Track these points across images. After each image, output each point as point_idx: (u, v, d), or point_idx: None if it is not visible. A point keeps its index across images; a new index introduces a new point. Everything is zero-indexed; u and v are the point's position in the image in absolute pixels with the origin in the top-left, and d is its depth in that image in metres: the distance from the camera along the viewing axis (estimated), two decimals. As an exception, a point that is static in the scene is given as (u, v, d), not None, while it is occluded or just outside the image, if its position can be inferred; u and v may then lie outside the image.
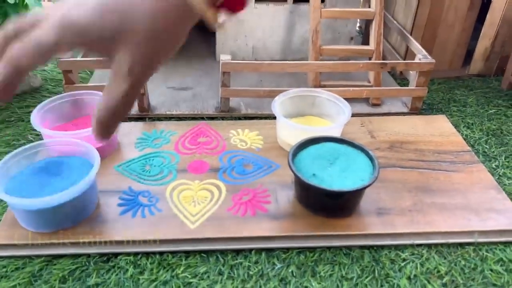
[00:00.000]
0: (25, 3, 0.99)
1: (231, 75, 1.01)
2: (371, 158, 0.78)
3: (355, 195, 0.74)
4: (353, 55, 1.15)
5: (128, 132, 0.96)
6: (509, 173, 0.91)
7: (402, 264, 0.71)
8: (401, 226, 0.75)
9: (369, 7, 1.13)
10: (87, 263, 0.69)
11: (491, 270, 0.70)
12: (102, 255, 0.70)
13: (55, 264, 0.69)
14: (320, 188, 0.72)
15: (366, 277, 0.69)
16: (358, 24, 1.45)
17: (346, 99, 1.02)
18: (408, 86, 1.08)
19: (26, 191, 0.72)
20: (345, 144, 0.82)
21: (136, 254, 0.71)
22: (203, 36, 1.44)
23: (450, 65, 1.28)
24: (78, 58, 1.01)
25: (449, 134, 0.99)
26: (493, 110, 1.11)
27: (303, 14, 1.23)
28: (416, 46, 1.10)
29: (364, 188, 0.72)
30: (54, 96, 0.93)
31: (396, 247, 0.74)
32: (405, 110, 1.09)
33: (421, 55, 1.04)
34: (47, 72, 1.21)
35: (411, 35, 1.19)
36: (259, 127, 0.99)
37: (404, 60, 1.21)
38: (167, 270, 0.69)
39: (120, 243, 0.71)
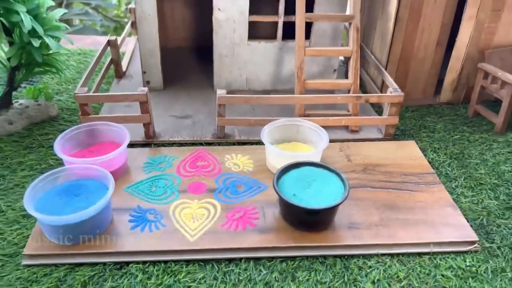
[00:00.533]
0: (46, 44, 1.14)
1: (228, 105, 1.16)
2: (343, 180, 0.92)
3: (329, 212, 0.88)
4: (334, 88, 1.29)
5: (136, 157, 1.10)
6: (466, 192, 1.04)
7: (368, 271, 0.84)
8: (368, 238, 0.89)
9: (348, 45, 1.28)
10: (103, 270, 0.83)
11: (442, 275, 0.84)
12: (116, 263, 0.84)
13: (77, 271, 0.82)
14: (300, 207, 0.86)
15: (337, 281, 0.82)
16: (341, 57, 1.60)
17: (327, 126, 1.17)
18: (382, 115, 1.23)
19: (51, 209, 0.86)
20: (321, 168, 0.96)
21: (144, 262, 0.84)
22: (203, 68, 1.60)
23: (423, 94, 1.43)
24: (94, 94, 1.15)
25: (416, 158, 1.13)
26: (458, 136, 1.25)
27: (291, 50, 1.39)
28: (389, 80, 1.25)
29: (336, 206, 0.86)
30: (70, 123, 1.07)
31: (364, 256, 0.87)
32: (380, 136, 1.23)
33: (393, 89, 1.19)
34: (63, 102, 1.36)
35: (386, 68, 1.35)
36: (250, 152, 1.14)
37: (381, 90, 1.36)
38: (171, 276, 0.82)
39: (131, 253, 0.85)
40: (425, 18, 1.29)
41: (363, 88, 1.48)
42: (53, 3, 1.16)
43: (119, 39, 1.53)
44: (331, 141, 1.17)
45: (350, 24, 1.27)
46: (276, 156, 1.03)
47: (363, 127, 1.26)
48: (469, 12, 1.26)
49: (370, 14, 1.48)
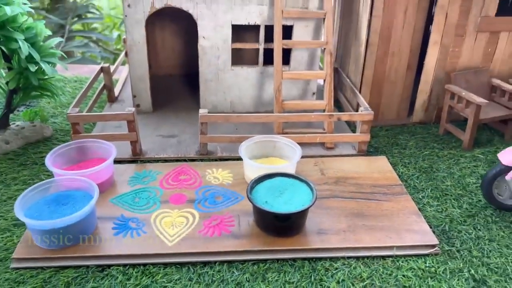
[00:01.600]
0: (42, 70, 1.23)
1: (214, 124, 1.24)
2: (311, 188, 0.99)
3: (298, 216, 0.94)
4: (310, 108, 1.38)
5: (123, 173, 1.17)
6: (432, 202, 1.11)
7: (334, 272, 0.90)
8: (335, 242, 0.95)
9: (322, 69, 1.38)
10: (86, 273, 0.88)
11: (403, 275, 0.89)
12: (98, 266, 0.90)
13: (61, 273, 0.88)
14: (270, 212, 0.92)
15: (304, 281, 0.88)
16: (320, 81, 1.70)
17: (304, 143, 1.26)
18: (355, 133, 1.31)
19: (39, 217, 0.92)
20: (293, 178, 1.03)
21: (125, 265, 0.90)
22: (190, 92, 1.69)
23: (397, 115, 1.52)
24: (85, 113, 1.24)
25: (386, 171, 1.20)
26: (428, 152, 1.33)
27: (271, 74, 1.49)
28: (361, 100, 1.34)
29: (303, 211, 0.93)
30: (62, 143, 1.15)
31: (331, 259, 0.93)
32: (354, 152, 1.31)
33: (363, 108, 1.28)
34: (57, 124, 1.45)
35: (360, 91, 1.44)
36: (231, 167, 1.21)
37: (356, 111, 1.45)
38: (149, 278, 0.88)
39: (112, 257, 0.91)
40: (395, 43, 1.39)
41: (341, 110, 1.57)
42: (50, 32, 1.27)
43: (113, 67, 1.63)
44: (308, 157, 1.26)
45: (324, 49, 1.37)
46: (252, 169, 1.10)
47: (338, 144, 1.34)
48: (434, 37, 1.37)
49: (346, 41, 1.59)
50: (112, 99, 1.60)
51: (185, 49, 1.83)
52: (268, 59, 1.44)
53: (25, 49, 1.14)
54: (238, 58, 1.54)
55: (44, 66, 1.21)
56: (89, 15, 3.63)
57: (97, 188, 0.97)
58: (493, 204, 1.08)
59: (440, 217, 1.06)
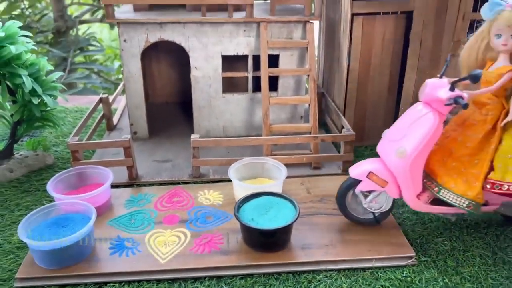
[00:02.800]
0: (44, 102, 1.33)
1: (207, 149, 1.31)
2: (295, 206, 1.05)
3: (281, 232, 1.01)
4: (296, 131, 1.46)
5: (119, 196, 1.24)
6: (411, 216, 1.17)
7: (317, 284, 0.96)
8: (318, 256, 1.01)
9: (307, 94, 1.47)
10: (84, 290, 0.95)
11: (381, 286, 0.95)
12: (95, 283, 0.96)
13: (61, 291, 0.94)
14: (255, 228, 0.99)
15: (288, 293, 0.94)
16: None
17: (292, 164, 1.33)
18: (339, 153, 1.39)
19: (41, 239, 0.99)
20: (278, 196, 1.10)
21: (120, 282, 0.96)
22: (185, 119, 1.78)
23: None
24: (84, 141, 1.33)
25: (368, 188, 1.27)
26: (409, 169, 1.40)
27: (260, 100, 1.57)
28: (344, 122, 1.42)
29: (287, 226, 0.99)
30: (63, 170, 1.23)
31: (314, 271, 0.99)
32: (339, 171, 1.38)
33: (346, 129, 1.35)
34: (59, 152, 1.53)
35: (344, 114, 1.52)
36: (221, 188, 1.28)
37: (341, 132, 1.53)
38: (143, 293, 0.94)
39: (109, 274, 0.97)
40: (375, 68, 1.48)
41: (328, 132, 1.65)
42: (51, 67, 1.37)
43: (112, 97, 1.73)
44: (295, 177, 1.33)
45: (308, 76, 1.46)
46: (241, 189, 1.17)
47: (324, 164, 1.41)
48: (411, 62, 1.46)
49: (330, 67, 1.68)
50: (110, 127, 1.69)
51: (181, 78, 1.93)
52: (258, 86, 1.53)
53: (28, 84, 1.24)
54: (229, 85, 1.63)
55: (46, 98, 1.30)
56: (90, 47, 3.78)
57: (94, 210, 1.04)
58: (348, 218, 1.11)
59: (418, 230, 1.12)
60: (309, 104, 1.45)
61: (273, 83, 1.56)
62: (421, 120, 0.97)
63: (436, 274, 0.98)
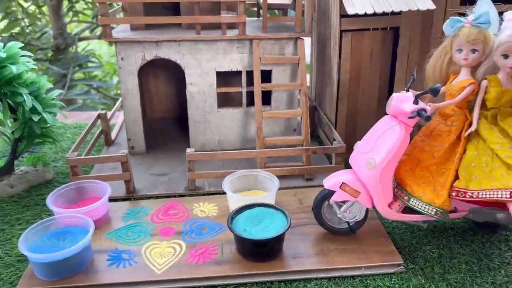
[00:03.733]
0: (44, 119, 1.37)
1: (203, 162, 1.35)
2: (286, 216, 1.09)
3: (274, 241, 1.04)
4: (289, 144, 1.50)
5: (117, 210, 1.28)
6: (400, 225, 1.21)
7: (308, 292, 0.99)
8: (309, 265, 1.04)
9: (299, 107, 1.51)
10: (82, 301, 0.98)
11: (370, 292, 0.98)
12: (93, 294, 0.99)
13: (60, 302, 0.97)
14: (248, 239, 1.03)
15: (280, 301, 0.97)
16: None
17: (285, 176, 1.37)
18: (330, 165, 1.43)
19: (40, 251, 1.02)
20: (270, 207, 1.14)
21: (117, 293, 0.99)
22: (182, 134, 1.82)
23: (373, 146, 1.63)
24: (83, 157, 1.37)
25: (359, 199, 1.30)
26: (399, 180, 1.43)
27: (254, 114, 1.62)
28: (335, 134, 1.46)
29: (278, 236, 1.03)
30: (63, 185, 1.27)
31: (305, 280, 1.02)
32: (331, 183, 1.42)
33: (337, 141, 1.40)
34: (58, 168, 1.57)
35: (336, 126, 1.56)
36: (216, 200, 1.32)
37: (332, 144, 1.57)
38: (139, 303, 0.97)
39: (106, 285, 1.00)
40: (364, 82, 1.53)
41: (321, 145, 1.69)
42: (51, 85, 1.41)
43: (110, 113, 1.77)
44: (288, 188, 1.37)
45: (299, 91, 1.51)
46: (235, 201, 1.21)
47: (317, 176, 1.45)
48: (398, 75, 1.51)
49: (322, 82, 1.73)
50: (109, 142, 1.73)
51: (177, 94, 1.98)
52: (252, 100, 1.58)
53: (29, 102, 1.28)
54: (224, 100, 1.68)
55: (46, 116, 1.34)
56: (89, 64, 3.85)
57: (92, 223, 1.07)
58: (324, 227, 1.14)
59: (407, 238, 1.15)
60: (301, 117, 1.49)
61: (267, 97, 1.61)
62: (389, 132, 1.02)
63: (423, 281, 1.01)
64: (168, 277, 1.02)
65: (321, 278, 1.02)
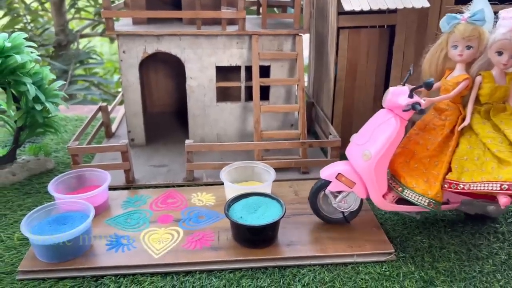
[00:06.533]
0: (47, 109, 1.40)
1: (202, 154, 1.38)
2: (281, 205, 1.12)
3: (269, 228, 1.07)
4: (285, 137, 1.53)
5: (117, 198, 1.31)
6: (393, 217, 1.24)
7: (301, 277, 1.02)
8: (303, 252, 1.07)
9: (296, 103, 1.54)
10: (82, 282, 1.00)
11: (361, 279, 1.01)
12: (93, 276, 1.02)
13: (61, 283, 1.00)
14: (243, 225, 1.06)
15: (274, 285, 0.99)
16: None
17: (282, 168, 1.40)
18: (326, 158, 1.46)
19: (42, 234, 1.05)
20: (266, 196, 1.17)
21: (116, 275, 1.02)
22: (181, 127, 1.85)
23: (368, 142, 1.66)
24: (84, 146, 1.40)
25: (353, 191, 1.34)
26: (393, 174, 1.47)
27: (253, 109, 1.65)
28: (331, 129, 1.49)
29: (272, 223, 1.06)
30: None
31: (298, 266, 1.05)
32: (326, 176, 1.45)
33: (332, 135, 1.43)
34: (59, 158, 1.60)
35: (332, 122, 1.60)
36: (214, 190, 1.35)
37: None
38: (137, 285, 1.00)
39: (105, 268, 1.03)
40: (360, 78, 1.56)
41: (318, 139, 1.72)
42: (54, 77, 1.45)
43: (111, 106, 1.81)
44: (285, 180, 1.40)
45: (297, 86, 1.54)
46: (232, 190, 1.24)
47: (312, 169, 1.48)
48: (394, 73, 1.54)
49: (319, 78, 1.77)
50: (109, 134, 1.76)
51: (177, 88, 2.01)
52: (250, 95, 1.61)
53: (32, 91, 1.31)
54: (223, 95, 1.71)
55: (48, 105, 1.37)
56: (90, 60, 3.88)
57: (92, 208, 1.10)
58: (319, 217, 1.17)
59: (399, 229, 1.18)
60: (298, 112, 1.53)
61: (266, 92, 1.64)
62: (384, 125, 1.05)
63: (413, 268, 1.04)
64: (166, 261, 1.04)
65: (314, 265, 1.05)
